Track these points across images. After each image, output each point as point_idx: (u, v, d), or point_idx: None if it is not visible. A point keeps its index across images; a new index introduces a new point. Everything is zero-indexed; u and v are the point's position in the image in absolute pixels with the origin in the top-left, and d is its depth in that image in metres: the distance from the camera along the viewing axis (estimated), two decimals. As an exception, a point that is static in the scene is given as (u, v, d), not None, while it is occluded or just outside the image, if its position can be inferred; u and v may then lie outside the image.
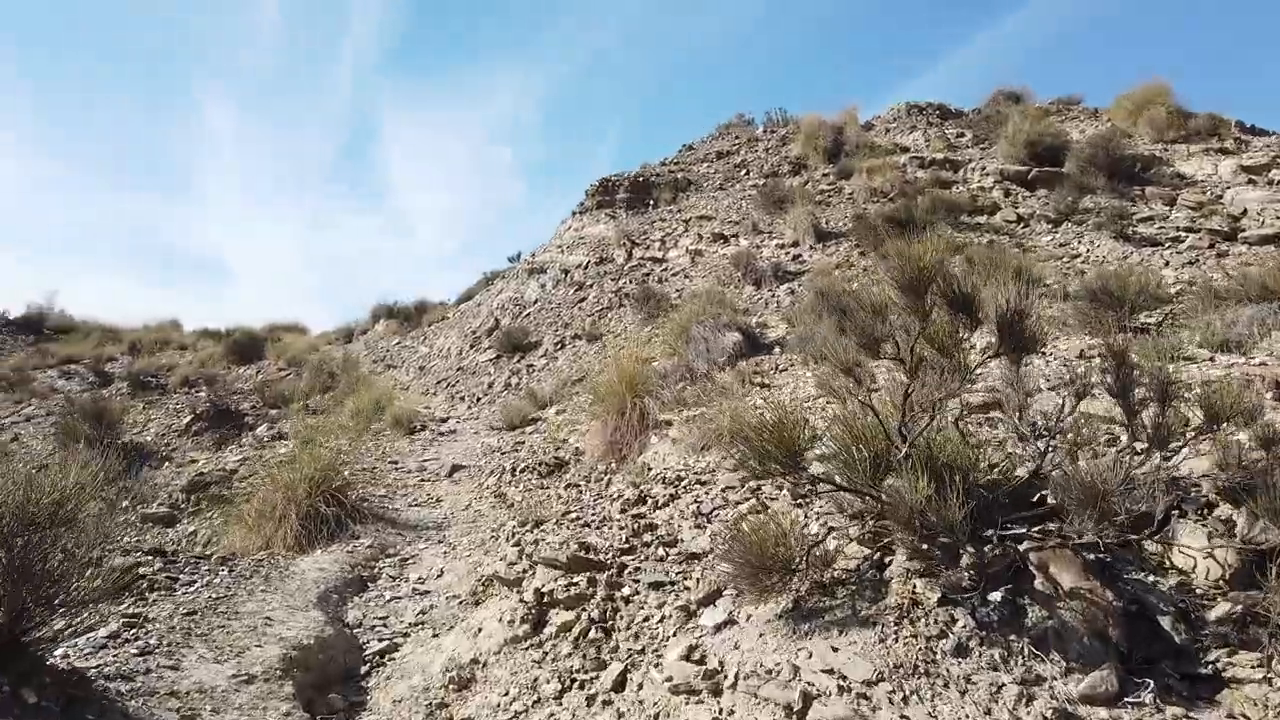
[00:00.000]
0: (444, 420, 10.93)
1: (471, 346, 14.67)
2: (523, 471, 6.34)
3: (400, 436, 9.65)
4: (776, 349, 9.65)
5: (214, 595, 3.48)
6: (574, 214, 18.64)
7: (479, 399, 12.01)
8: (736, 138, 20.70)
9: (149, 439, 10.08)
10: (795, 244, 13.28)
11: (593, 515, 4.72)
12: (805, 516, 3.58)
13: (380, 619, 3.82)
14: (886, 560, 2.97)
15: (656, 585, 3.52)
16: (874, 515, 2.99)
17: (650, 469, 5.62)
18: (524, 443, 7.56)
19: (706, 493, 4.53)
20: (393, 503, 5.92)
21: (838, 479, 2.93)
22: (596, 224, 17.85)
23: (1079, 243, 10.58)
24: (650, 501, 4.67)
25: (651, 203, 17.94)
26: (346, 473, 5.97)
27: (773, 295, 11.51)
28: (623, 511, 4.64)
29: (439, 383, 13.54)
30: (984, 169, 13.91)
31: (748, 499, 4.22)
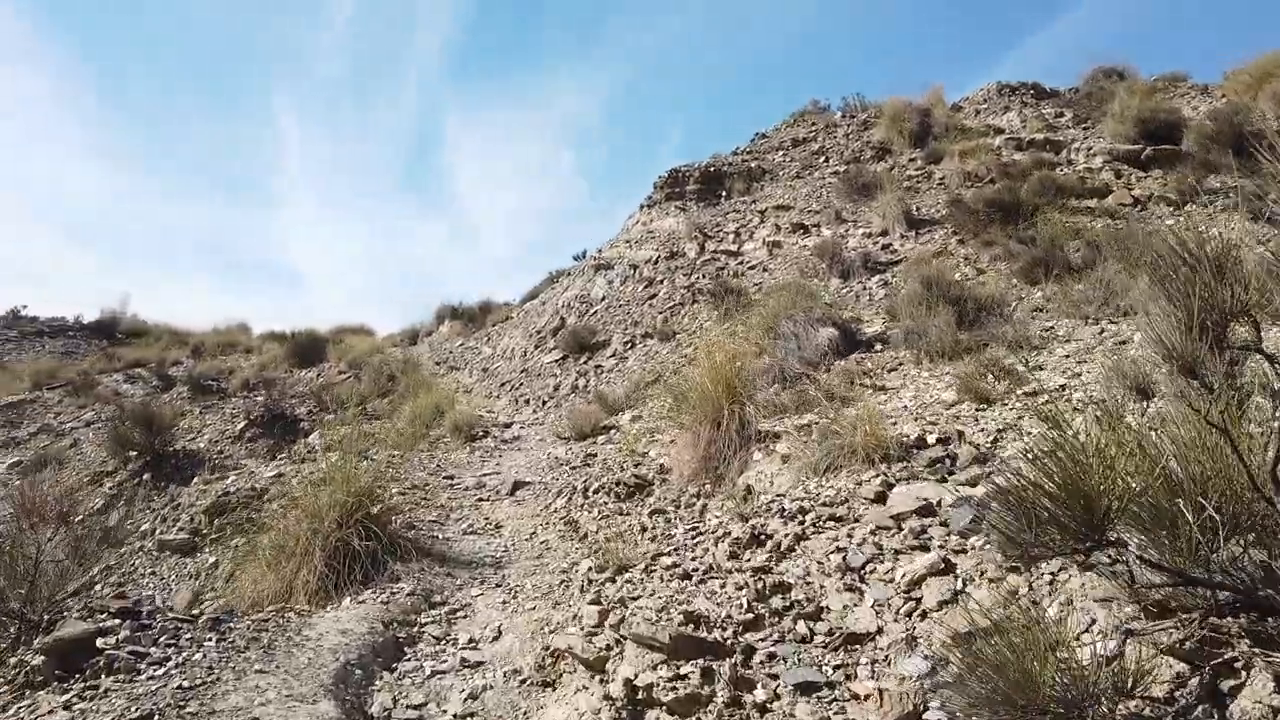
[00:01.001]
0: (507, 425, 10.07)
1: (536, 347, 13.86)
2: (596, 492, 5.28)
3: (459, 444, 8.81)
4: (878, 345, 8.45)
5: (187, 682, 2.54)
6: (642, 207, 17.73)
7: (545, 402, 11.18)
8: (813, 124, 19.38)
9: (202, 445, 9.53)
10: (884, 233, 12.13)
11: (692, 560, 3.60)
12: (1030, 588, 2.39)
13: (415, 707, 2.81)
14: (1227, 687, 1.76)
15: (807, 688, 2.38)
16: (1204, 610, 1.78)
17: (757, 494, 4.48)
18: (596, 455, 6.51)
19: (849, 535, 3.36)
20: (444, 530, 4.96)
21: (1156, 555, 1.72)
22: (666, 217, 16.92)
23: (1209, 226, 9.22)
24: (770, 544, 3.52)
25: (724, 194, 16.94)
26: (393, 491, 5.06)
27: (864, 287, 10.33)
28: (733, 557, 3.51)
29: (503, 385, 12.78)
30: (1090, 149, 12.51)
31: (915, 547, 3.03)
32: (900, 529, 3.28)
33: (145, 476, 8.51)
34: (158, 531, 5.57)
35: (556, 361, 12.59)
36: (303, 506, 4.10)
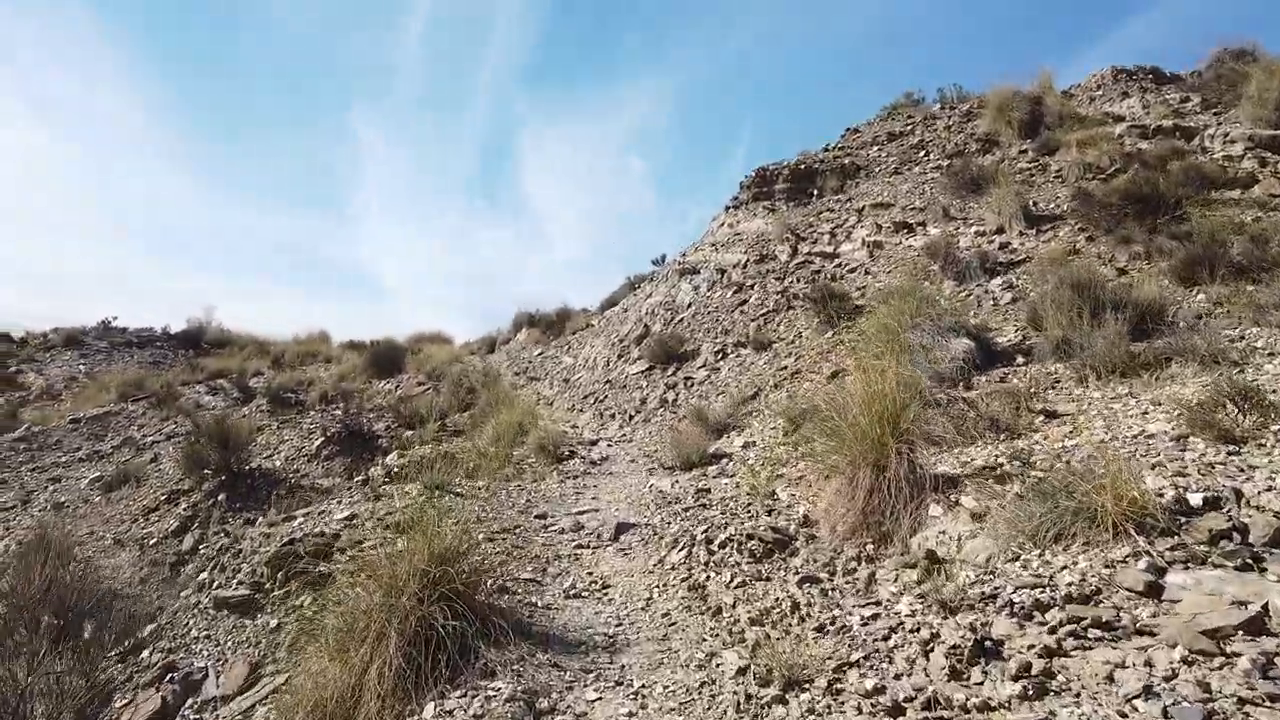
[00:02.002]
0: (594, 443, 9.29)
1: (619, 357, 13.08)
2: (723, 546, 4.31)
3: (546, 466, 8.05)
4: (1018, 358, 7.31)
5: None
6: (727, 209, 16.90)
7: (631, 417, 10.39)
8: (909, 117, 18.17)
9: (278, 464, 9.09)
10: (1000, 230, 11.04)
11: (894, 676, 2.59)
12: None
13: None
14: None
15: None
16: None
17: (945, 565, 3.44)
18: (710, 492, 5.55)
19: (1144, 662, 2.28)
20: (542, 592, 4.10)
21: None
22: (754, 218, 16.08)
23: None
24: (1013, 662, 2.47)
25: (815, 192, 16.01)
26: (480, 540, 4.26)
27: (985, 291, 9.20)
28: (955, 676, 2.49)
29: (585, 397, 12.06)
30: (1227, 135, 11.06)
31: (1276, 697, 1.96)
32: (1227, 657, 2.20)
33: (220, 497, 8.07)
34: (215, 584, 4.91)
35: (642, 372, 11.80)
36: (375, 573, 3.31)
